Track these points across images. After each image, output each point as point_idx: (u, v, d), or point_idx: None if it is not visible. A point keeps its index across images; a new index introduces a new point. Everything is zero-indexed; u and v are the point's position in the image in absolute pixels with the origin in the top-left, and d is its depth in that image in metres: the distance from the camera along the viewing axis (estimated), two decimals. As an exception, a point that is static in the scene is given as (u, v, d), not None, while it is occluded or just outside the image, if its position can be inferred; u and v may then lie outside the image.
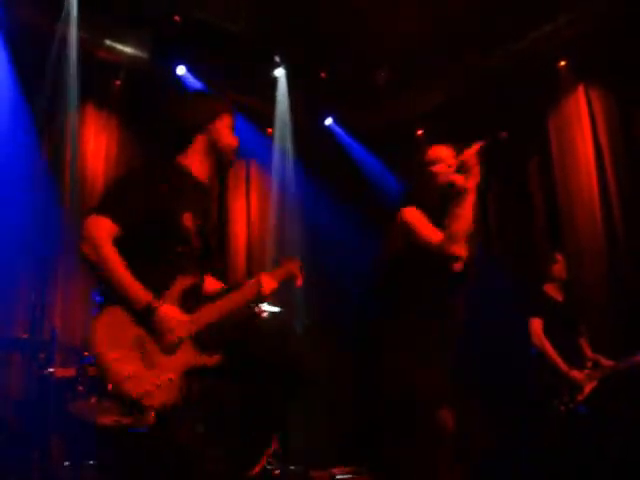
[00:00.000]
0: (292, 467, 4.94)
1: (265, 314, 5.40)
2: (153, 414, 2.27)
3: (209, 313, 2.51)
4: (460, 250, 2.62)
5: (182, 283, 2.48)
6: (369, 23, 5.86)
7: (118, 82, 6.19)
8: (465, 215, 2.67)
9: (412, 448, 2.47)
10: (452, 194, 2.76)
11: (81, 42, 5.58)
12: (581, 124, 5.87)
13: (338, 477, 4.93)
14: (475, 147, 2.78)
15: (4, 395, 4.78)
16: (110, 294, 2.35)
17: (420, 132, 7.37)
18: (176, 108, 2.85)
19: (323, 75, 6.63)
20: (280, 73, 6.71)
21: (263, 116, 7.04)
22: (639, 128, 5.49)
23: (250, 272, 6.87)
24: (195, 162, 2.70)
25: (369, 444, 2.79)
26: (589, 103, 5.85)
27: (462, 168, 2.78)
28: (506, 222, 6.40)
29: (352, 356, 2.98)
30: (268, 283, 2.70)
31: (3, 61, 5.38)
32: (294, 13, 5.78)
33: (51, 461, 4.11)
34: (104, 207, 2.42)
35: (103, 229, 2.36)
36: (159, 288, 2.41)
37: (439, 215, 2.77)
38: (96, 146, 6.13)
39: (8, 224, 5.06)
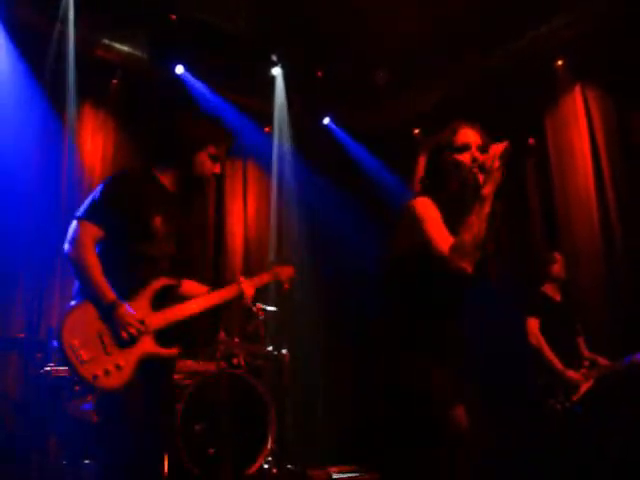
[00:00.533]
0: (289, 466, 4.95)
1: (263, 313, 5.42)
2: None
3: (177, 312, 2.82)
4: (466, 265, 2.33)
5: (156, 284, 2.75)
6: (368, 23, 5.86)
7: (115, 81, 6.18)
8: (477, 225, 2.34)
9: (427, 448, 2.41)
10: (470, 191, 2.47)
11: (78, 41, 5.56)
12: (578, 124, 5.87)
13: (335, 476, 4.95)
14: (500, 147, 2.43)
15: (1, 394, 4.78)
16: (84, 291, 2.65)
17: (417, 131, 7.38)
18: (166, 126, 3.03)
19: (320, 74, 6.62)
20: (277, 72, 6.71)
21: (261, 115, 7.04)
22: (636, 128, 5.49)
23: (248, 270, 6.87)
24: (168, 179, 2.91)
25: (379, 445, 2.71)
26: (586, 103, 5.85)
27: (482, 169, 2.46)
28: (503, 223, 6.39)
29: (357, 355, 3.03)
30: (247, 289, 3.04)
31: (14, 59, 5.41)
32: (292, 12, 5.78)
33: (49, 460, 4.12)
34: (90, 214, 2.70)
35: (89, 235, 2.67)
36: (133, 286, 2.71)
37: (455, 211, 2.47)
38: (93, 145, 6.12)
39: (7, 224, 5.06)
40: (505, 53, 6.15)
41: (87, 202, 2.75)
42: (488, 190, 2.38)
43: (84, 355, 2.54)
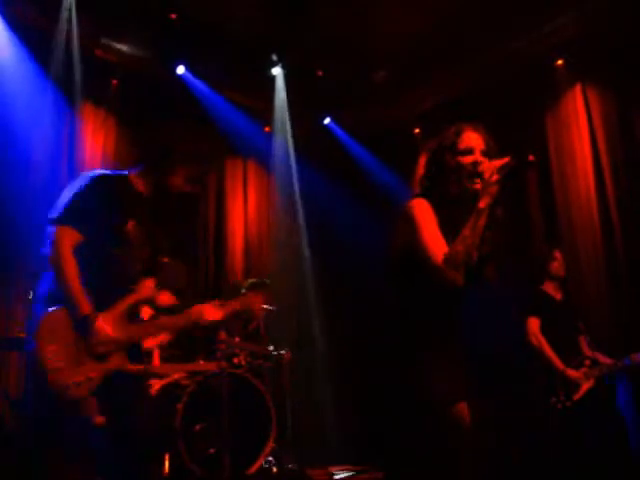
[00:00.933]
0: (290, 466, 4.95)
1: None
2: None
3: (145, 329, 2.87)
4: (458, 277, 2.32)
5: (132, 298, 2.75)
6: (368, 22, 5.86)
7: (115, 81, 6.18)
8: (471, 237, 2.32)
9: (430, 445, 2.41)
10: (467, 195, 2.45)
11: (79, 41, 5.57)
12: (578, 123, 5.87)
13: (336, 476, 4.95)
14: (501, 161, 2.37)
15: (2, 394, 4.78)
16: (59, 297, 2.61)
17: (417, 131, 7.38)
18: (151, 138, 3.10)
19: (320, 74, 6.62)
20: (278, 72, 6.71)
21: (261, 115, 7.04)
22: (636, 127, 5.49)
23: (248, 270, 6.88)
24: (140, 187, 2.91)
25: (385, 443, 2.70)
26: (587, 103, 5.85)
27: (481, 178, 2.41)
28: (503, 222, 6.39)
29: (359, 354, 3.01)
30: (211, 314, 2.98)
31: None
32: (292, 12, 5.77)
33: (48, 460, 4.11)
34: (70, 218, 2.67)
35: (69, 239, 2.65)
36: (108, 293, 2.69)
37: (453, 214, 2.46)
38: (93, 145, 6.13)
39: (7, 223, 5.05)
40: (506, 53, 6.15)
41: (63, 205, 2.72)
42: (484, 204, 2.35)
43: (58, 362, 2.52)
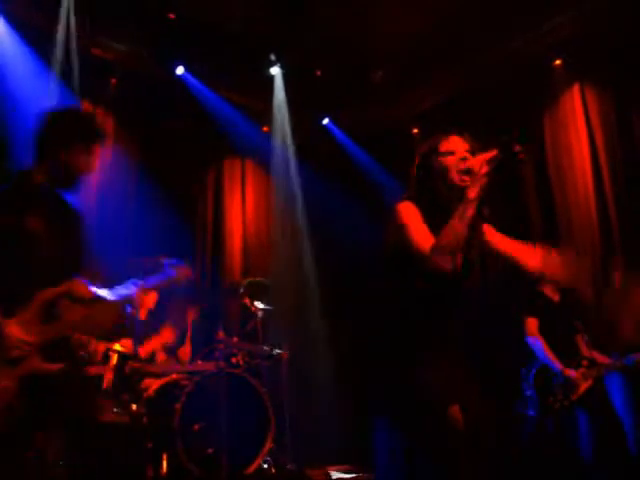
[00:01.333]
0: (288, 466, 4.95)
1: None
2: None
3: (59, 327, 2.68)
4: (446, 264, 2.40)
5: (44, 295, 2.61)
6: (367, 22, 5.85)
7: (114, 80, 6.18)
8: (459, 228, 2.39)
9: (429, 445, 2.44)
10: (457, 194, 2.51)
11: (77, 40, 5.57)
12: (576, 123, 5.88)
13: (334, 476, 4.95)
14: (487, 155, 2.46)
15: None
16: None
17: (416, 131, 7.38)
18: (43, 124, 2.86)
19: (318, 73, 6.62)
20: (276, 71, 6.70)
21: (259, 114, 7.04)
22: (634, 126, 5.49)
23: (246, 270, 6.88)
24: (42, 178, 2.79)
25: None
26: (584, 102, 5.85)
27: (469, 173, 2.52)
28: (501, 222, 6.39)
29: (357, 353, 2.94)
30: (140, 295, 2.95)
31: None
32: (291, 11, 5.77)
33: (47, 459, 4.10)
34: None
35: None
36: (20, 295, 2.57)
37: (440, 213, 2.52)
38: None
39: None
40: (504, 53, 6.15)
41: None
42: (473, 194, 2.40)
43: None
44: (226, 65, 6.34)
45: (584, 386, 4.65)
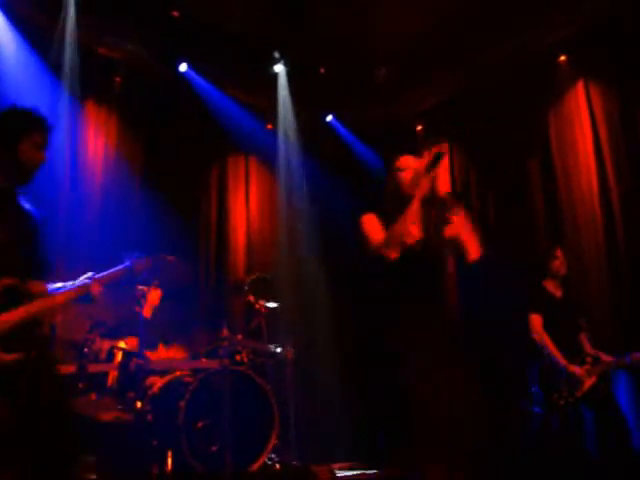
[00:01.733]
0: (293, 462, 4.95)
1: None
2: None
3: (19, 314, 2.67)
4: (391, 252, 3.01)
5: None
6: (369, 20, 5.85)
7: (118, 79, 6.18)
8: (403, 221, 3.02)
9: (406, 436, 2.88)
10: (409, 200, 3.09)
11: (81, 39, 5.57)
12: (581, 120, 5.86)
13: (338, 473, 4.95)
14: (425, 160, 3.17)
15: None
16: None
17: (420, 128, 7.38)
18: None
19: (322, 71, 6.62)
20: (280, 69, 6.70)
21: (263, 112, 7.04)
22: (639, 123, 5.48)
23: (250, 267, 6.88)
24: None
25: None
26: (589, 99, 5.84)
27: (414, 178, 3.15)
28: (506, 219, 6.40)
29: (362, 350, 3.28)
30: (95, 288, 2.97)
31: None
32: (294, 9, 5.77)
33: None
34: None
35: None
36: None
37: (398, 214, 3.08)
38: (96, 143, 6.13)
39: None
40: (508, 50, 6.14)
41: None
42: (418, 192, 3.07)
43: None
44: (230, 63, 6.35)
45: (588, 383, 4.65)
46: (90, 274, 3.01)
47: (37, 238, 2.90)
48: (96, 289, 2.99)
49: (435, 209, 3.17)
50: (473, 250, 3.15)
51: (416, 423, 2.88)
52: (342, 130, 7.46)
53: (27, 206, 2.92)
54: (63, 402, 2.79)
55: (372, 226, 3.19)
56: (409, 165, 3.28)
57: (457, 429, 2.84)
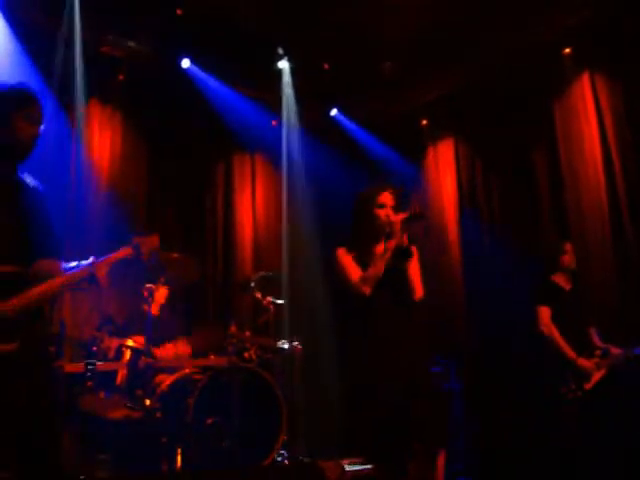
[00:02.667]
0: (302, 458, 4.97)
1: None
2: None
3: (20, 301, 2.59)
4: (366, 290, 3.43)
5: None
6: (374, 13, 5.83)
7: (122, 77, 6.19)
8: (379, 266, 3.42)
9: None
10: (383, 236, 3.51)
11: (84, 38, 5.57)
12: (587, 111, 5.84)
13: (347, 468, 4.95)
14: (402, 216, 3.44)
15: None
16: None
17: (425, 122, 7.36)
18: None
19: (326, 66, 6.61)
20: (284, 65, 6.69)
21: (268, 108, 7.03)
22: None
23: (257, 264, 6.89)
24: None
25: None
26: (594, 91, 5.81)
27: (389, 230, 3.46)
28: (512, 212, 6.39)
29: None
30: (98, 269, 2.83)
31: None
32: (297, 5, 5.76)
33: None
34: None
35: None
36: None
37: (369, 249, 3.59)
38: (101, 141, 6.15)
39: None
40: (513, 41, 6.11)
41: None
42: (390, 244, 3.43)
43: None
44: (234, 60, 6.33)
45: (597, 376, 4.64)
46: (91, 258, 2.88)
47: (43, 214, 2.83)
48: (101, 271, 2.85)
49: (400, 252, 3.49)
50: (419, 289, 3.57)
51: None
52: (348, 124, 7.44)
53: (30, 182, 2.87)
54: (43, 403, 2.67)
55: (348, 262, 3.56)
56: (388, 203, 3.58)
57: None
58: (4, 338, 2.53)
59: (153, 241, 3.10)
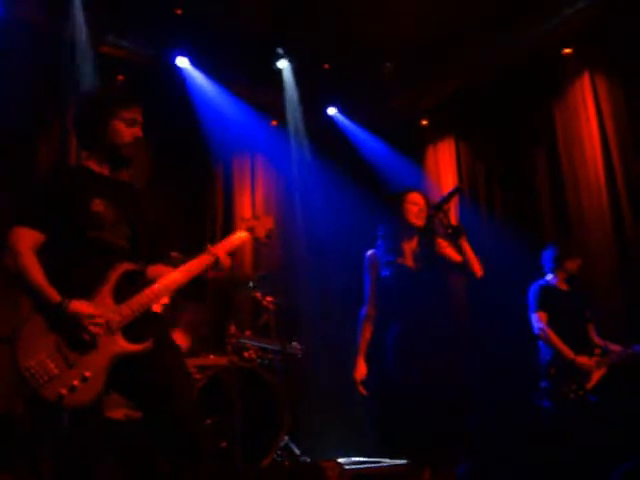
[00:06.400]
0: (302, 458, 4.96)
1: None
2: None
3: (144, 299, 2.56)
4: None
5: (114, 273, 2.53)
6: (375, 13, 5.83)
7: (121, 77, 6.18)
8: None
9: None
10: (417, 232, 3.72)
11: (86, 38, 5.58)
12: (587, 112, 5.84)
13: (347, 468, 4.95)
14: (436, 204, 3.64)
15: (15, 391, 4.80)
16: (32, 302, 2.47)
17: (425, 123, 7.36)
18: (76, 118, 2.83)
19: (327, 66, 6.61)
20: (284, 65, 6.69)
21: (267, 109, 7.03)
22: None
23: (257, 266, 6.89)
24: (94, 164, 2.75)
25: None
26: (595, 91, 5.81)
27: (430, 222, 3.68)
28: (513, 212, 6.39)
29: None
30: (221, 255, 2.77)
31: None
32: (298, 5, 5.76)
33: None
34: (26, 218, 2.54)
35: (25, 240, 2.48)
36: (92, 280, 2.49)
37: (399, 247, 3.73)
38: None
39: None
40: (513, 43, 6.11)
41: (21, 206, 2.65)
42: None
43: (44, 375, 2.31)
44: (234, 60, 6.33)
45: (598, 375, 4.63)
46: (209, 245, 2.79)
47: (147, 217, 2.81)
48: (222, 253, 2.78)
49: (453, 231, 3.59)
50: (478, 266, 3.65)
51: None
52: (348, 125, 7.43)
53: (132, 187, 2.87)
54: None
55: (370, 280, 3.82)
56: (418, 202, 3.74)
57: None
58: (135, 337, 2.51)
59: (267, 222, 3.12)
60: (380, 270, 3.75)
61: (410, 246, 3.74)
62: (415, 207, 3.73)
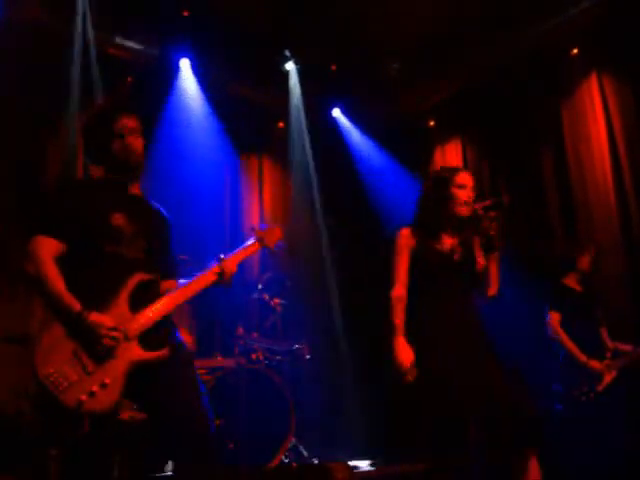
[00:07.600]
0: (310, 460, 4.95)
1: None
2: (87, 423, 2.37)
3: (159, 308, 2.60)
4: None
5: (130, 283, 2.57)
6: (380, 14, 5.83)
7: (129, 79, 6.19)
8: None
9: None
10: (462, 222, 3.27)
11: (94, 40, 5.59)
12: (595, 112, 5.82)
13: (355, 470, 4.93)
14: (486, 203, 3.26)
15: (17, 392, 4.80)
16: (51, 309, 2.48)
17: (432, 123, 7.35)
18: (85, 134, 2.89)
19: (333, 67, 6.60)
20: (291, 67, 6.68)
21: (274, 110, 7.03)
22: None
23: (265, 266, 6.88)
24: (107, 175, 2.79)
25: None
26: (602, 91, 5.79)
27: (474, 215, 3.26)
28: (520, 214, 6.36)
29: (378, 347, 3.58)
30: (229, 268, 2.80)
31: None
32: (305, 6, 5.76)
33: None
34: (47, 227, 2.57)
35: (46, 248, 2.51)
36: (109, 291, 2.53)
37: (437, 236, 3.29)
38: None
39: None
40: (520, 42, 6.09)
41: (38, 216, 2.67)
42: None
43: (63, 382, 2.33)
44: (241, 61, 6.34)
45: (609, 377, 4.61)
46: (221, 255, 2.82)
47: (167, 235, 2.87)
48: (230, 268, 2.80)
49: (487, 242, 3.26)
50: (495, 285, 3.31)
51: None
52: (354, 126, 7.42)
53: (154, 204, 2.90)
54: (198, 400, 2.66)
55: (402, 259, 3.28)
56: (467, 184, 3.29)
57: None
58: (150, 346, 2.54)
59: (276, 232, 3.12)
60: (415, 251, 3.28)
61: (449, 233, 3.32)
62: (463, 192, 3.25)
